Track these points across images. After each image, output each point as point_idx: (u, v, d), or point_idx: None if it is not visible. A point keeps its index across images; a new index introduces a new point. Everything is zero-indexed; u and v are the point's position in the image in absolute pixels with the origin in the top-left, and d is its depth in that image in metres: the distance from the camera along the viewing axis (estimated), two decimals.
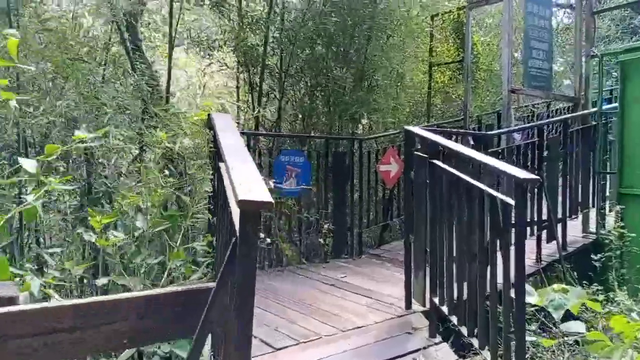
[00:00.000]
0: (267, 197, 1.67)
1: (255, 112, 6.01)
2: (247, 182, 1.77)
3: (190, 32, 7.08)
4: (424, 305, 4.25)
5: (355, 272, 5.76)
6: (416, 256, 4.31)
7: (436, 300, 3.89)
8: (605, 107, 6.54)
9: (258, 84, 6.65)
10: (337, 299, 4.73)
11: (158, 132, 3.71)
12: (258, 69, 6.53)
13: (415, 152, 4.26)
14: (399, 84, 8.09)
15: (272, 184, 4.79)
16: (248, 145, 5.67)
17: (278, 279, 5.51)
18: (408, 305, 4.35)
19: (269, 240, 3.87)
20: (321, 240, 6.15)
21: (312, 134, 6.96)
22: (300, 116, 7.16)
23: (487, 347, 3.18)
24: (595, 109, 6.43)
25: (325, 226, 6.23)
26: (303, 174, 6.08)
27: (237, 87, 6.88)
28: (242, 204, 1.65)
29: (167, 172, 3.52)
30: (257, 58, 6.51)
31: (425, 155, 4.08)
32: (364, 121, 8.33)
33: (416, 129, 4.33)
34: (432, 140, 3.99)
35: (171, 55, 5.76)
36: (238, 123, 6.26)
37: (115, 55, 5.72)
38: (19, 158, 2.32)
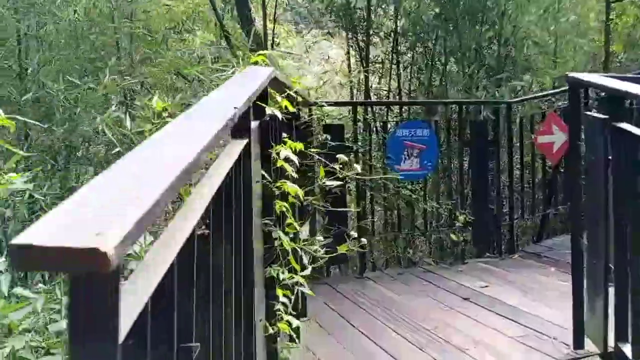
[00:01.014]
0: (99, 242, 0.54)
1: (359, 76, 4.83)
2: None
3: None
4: (603, 349, 2.75)
5: (502, 279, 4.34)
6: (591, 270, 2.81)
7: (628, 350, 2.40)
8: None
9: (364, 49, 5.45)
10: (471, 324, 3.42)
11: None
12: (365, 33, 5.34)
13: (586, 113, 2.74)
14: (557, 30, 6.23)
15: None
16: (355, 120, 4.55)
17: (395, 285, 4.33)
18: (578, 344, 2.89)
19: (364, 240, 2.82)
20: (453, 237, 4.80)
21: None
22: (424, 84, 5.79)
23: None
24: None
25: (461, 217, 4.86)
26: (428, 151, 4.78)
27: (347, 54, 5.76)
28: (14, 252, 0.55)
29: None
30: (363, 21, 5.33)
31: (605, 117, 2.56)
32: (514, 83, 6.63)
33: (587, 76, 2.79)
34: (617, 89, 2.46)
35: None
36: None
37: None
38: None
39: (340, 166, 2.58)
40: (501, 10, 5.58)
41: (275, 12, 5.14)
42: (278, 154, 2.07)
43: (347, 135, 4.54)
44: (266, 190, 2.00)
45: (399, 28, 5.61)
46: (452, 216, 4.94)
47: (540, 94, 6.11)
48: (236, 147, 1.47)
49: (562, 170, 5.61)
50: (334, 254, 2.54)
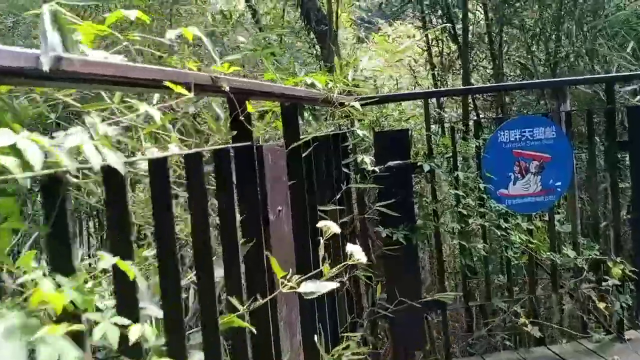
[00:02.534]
0: None
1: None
2: None
3: None
4: None
5: None
6: None
7: None
8: None
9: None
10: None
11: None
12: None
13: None
14: None
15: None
16: (427, 121, 2.90)
17: None
18: None
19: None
20: (602, 302, 2.93)
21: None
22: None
23: None
24: None
25: (615, 269, 2.97)
26: (556, 164, 2.97)
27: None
28: None
29: None
30: None
31: None
32: None
33: None
34: None
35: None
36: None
37: None
38: None
39: None
40: None
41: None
42: None
43: (417, 148, 2.94)
44: None
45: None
46: (599, 267, 3.06)
47: None
48: None
49: None
50: None
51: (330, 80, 2.22)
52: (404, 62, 4.72)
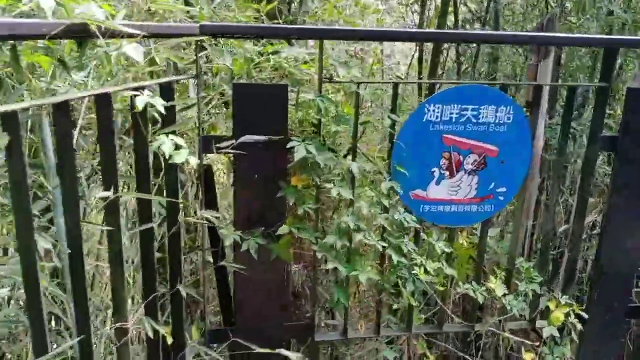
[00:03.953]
0: None
1: None
2: None
3: None
4: None
5: None
6: None
7: None
8: None
9: None
10: None
11: None
12: None
13: None
14: None
15: None
16: (321, 71, 1.90)
17: None
18: None
19: None
20: (527, 356, 2.16)
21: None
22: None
23: None
24: None
25: (558, 313, 2.16)
26: (507, 162, 2.05)
27: None
28: None
29: None
30: None
31: None
32: None
33: None
34: None
35: None
36: None
37: None
38: None
39: None
40: None
41: None
42: None
43: (298, 113, 1.98)
44: None
45: None
46: (537, 305, 2.24)
47: None
48: None
49: None
50: None
51: None
52: None
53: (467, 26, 4.35)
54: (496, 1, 3.55)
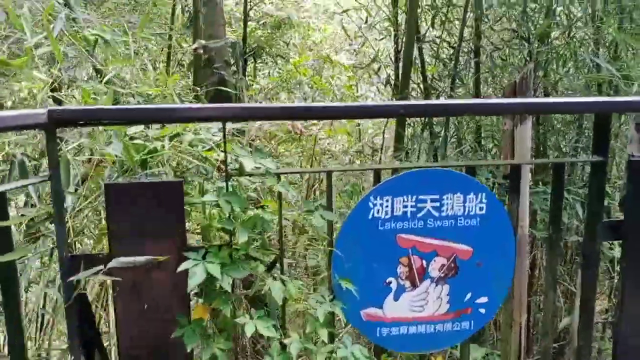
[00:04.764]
0: None
1: None
2: None
3: None
4: None
5: None
6: None
7: None
8: None
9: None
10: None
11: None
12: None
13: None
14: None
15: None
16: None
17: None
18: None
19: None
20: None
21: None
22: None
23: None
24: None
25: None
26: (486, 263, 1.56)
27: None
28: None
29: None
30: None
31: None
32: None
33: None
34: None
35: None
36: None
37: None
38: None
39: None
40: None
41: None
42: None
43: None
44: None
45: None
46: None
47: None
48: None
49: None
50: None
51: None
52: None
53: (440, 82, 4.01)
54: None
